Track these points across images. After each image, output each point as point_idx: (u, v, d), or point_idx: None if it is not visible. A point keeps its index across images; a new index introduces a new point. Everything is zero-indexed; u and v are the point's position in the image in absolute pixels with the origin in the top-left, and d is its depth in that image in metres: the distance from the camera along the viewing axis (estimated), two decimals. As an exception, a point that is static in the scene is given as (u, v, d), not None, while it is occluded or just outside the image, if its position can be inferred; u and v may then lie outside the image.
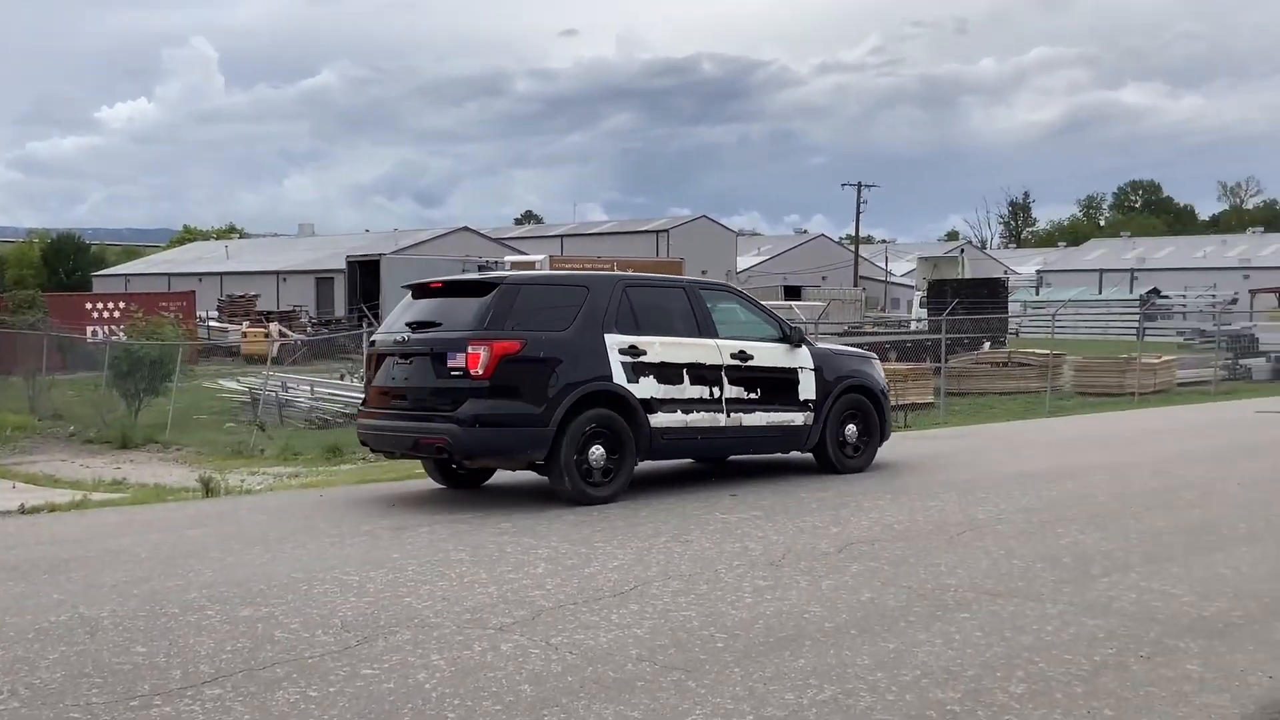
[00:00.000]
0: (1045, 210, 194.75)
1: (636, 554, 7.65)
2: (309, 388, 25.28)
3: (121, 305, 42.00)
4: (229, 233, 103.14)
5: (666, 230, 79.52)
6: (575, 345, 9.57)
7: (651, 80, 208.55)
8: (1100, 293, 66.73)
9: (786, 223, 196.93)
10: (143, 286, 68.70)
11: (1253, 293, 56.92)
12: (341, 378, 27.32)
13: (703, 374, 10.25)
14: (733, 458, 11.67)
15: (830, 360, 11.42)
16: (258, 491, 12.20)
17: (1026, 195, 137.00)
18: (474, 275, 10.13)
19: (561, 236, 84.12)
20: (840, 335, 35.38)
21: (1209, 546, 7.84)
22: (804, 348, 11.19)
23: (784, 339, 11.05)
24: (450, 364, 9.30)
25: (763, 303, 12.02)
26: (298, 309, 56.55)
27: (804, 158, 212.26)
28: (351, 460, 16.60)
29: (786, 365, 10.96)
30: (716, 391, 10.34)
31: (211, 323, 47.86)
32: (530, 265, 45.79)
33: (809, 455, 11.46)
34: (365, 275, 46.81)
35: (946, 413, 22.35)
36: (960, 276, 54.59)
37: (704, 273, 65.57)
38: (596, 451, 9.57)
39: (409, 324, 9.89)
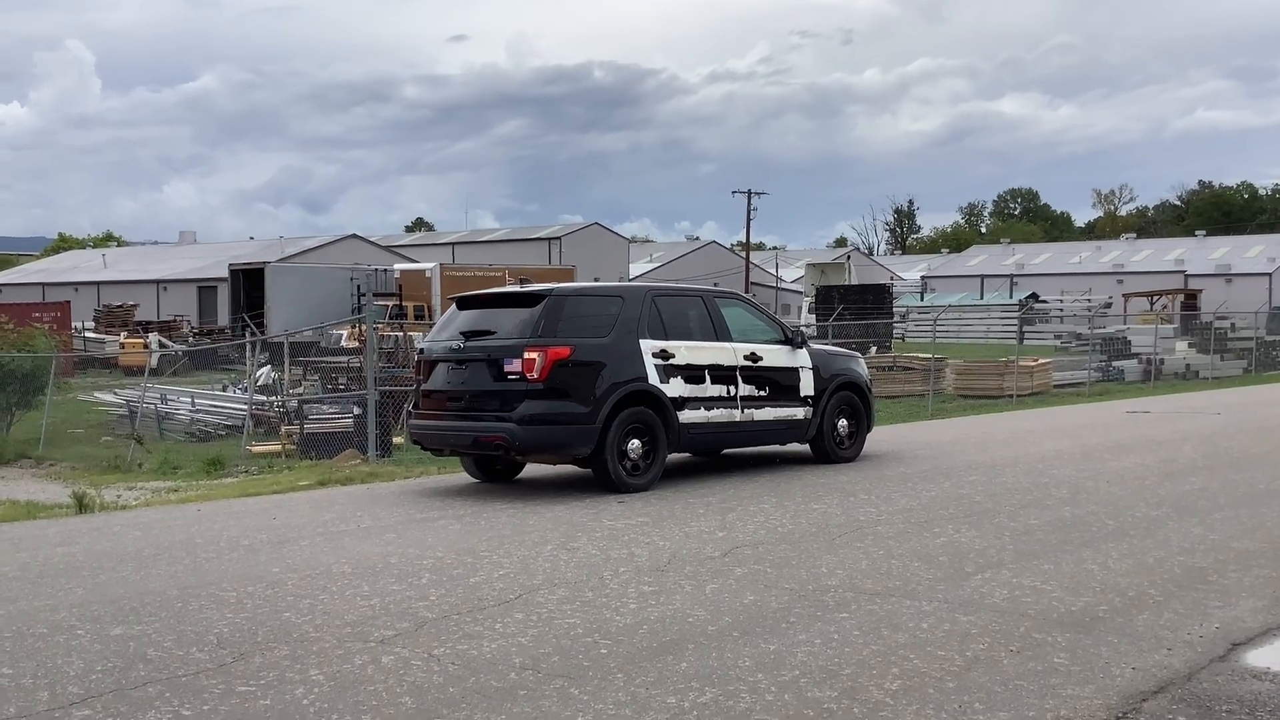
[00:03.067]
0: (929, 217, 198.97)
1: (522, 562, 7.63)
2: (189, 400, 24.60)
3: (-7, 316, 40.38)
4: (106, 241, 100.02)
5: (559, 237, 79.43)
6: (615, 350, 10.62)
7: (543, 87, 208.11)
8: (982, 298, 68.56)
9: (678, 229, 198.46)
10: (14, 297, 66.14)
11: (1126, 297, 59.03)
12: (224, 389, 26.66)
13: (721, 374, 11.37)
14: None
15: (826, 359, 12.68)
16: (134, 507, 11.84)
17: (911, 203, 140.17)
18: (520, 288, 11.02)
19: (453, 244, 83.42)
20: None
21: (1078, 543, 8.12)
22: (804, 349, 12.40)
23: (787, 341, 12.24)
24: (507, 368, 10.27)
25: (765, 308, 13.11)
26: (179, 319, 55.06)
27: (694, 165, 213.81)
28: (232, 474, 16.22)
29: (790, 365, 12.12)
30: (732, 390, 11.47)
31: (88, 333, 46.33)
32: (420, 273, 45.33)
33: (793, 447, 12.70)
34: (250, 284, 45.73)
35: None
36: (847, 282, 55.61)
37: (596, 279, 65.61)
38: (634, 445, 10.61)
39: (462, 333, 10.82)
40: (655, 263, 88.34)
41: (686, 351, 11.13)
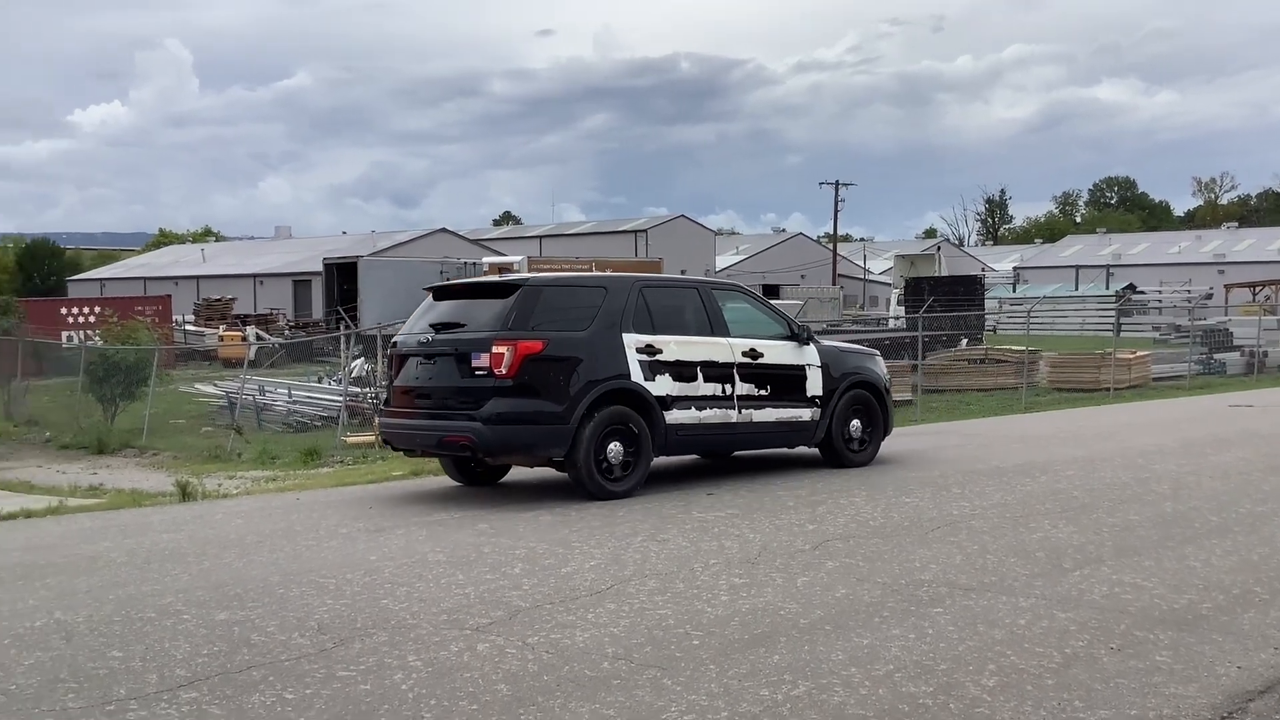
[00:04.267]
0: (1022, 207, 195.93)
1: (613, 553, 7.68)
2: (286, 391, 25.17)
3: (97, 310, 41.75)
4: (205, 236, 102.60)
5: (645, 230, 79.56)
6: (594, 345, 9.89)
7: (629, 80, 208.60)
8: (1076, 289, 67.12)
9: (764, 222, 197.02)
10: (118, 291, 68.29)
11: (1227, 288, 57.35)
12: (319, 380, 27.22)
13: (716, 371, 10.57)
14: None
15: (836, 357, 11.76)
16: (234, 495, 12.15)
17: (1003, 192, 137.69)
18: (495, 277, 10.37)
19: (540, 237, 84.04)
20: (820, 333, 35.47)
21: (1180, 539, 7.93)
22: (811, 345, 11.49)
23: (792, 337, 11.39)
24: (474, 364, 9.59)
25: (771, 302, 12.32)
26: (275, 312, 56.30)
27: (781, 157, 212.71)
28: (328, 464, 16.56)
29: (795, 362, 11.28)
30: (729, 388, 10.66)
31: (188, 326, 47.61)
32: (509, 267, 45.74)
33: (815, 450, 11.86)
34: (343, 277, 46.59)
35: (923, 410, 22.47)
36: (937, 274, 54.83)
37: (683, 272, 65.65)
38: (614, 447, 9.86)
39: (432, 325, 10.18)
40: (741, 255, 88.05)
41: (676, 347, 10.35)
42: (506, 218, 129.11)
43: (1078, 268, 79.66)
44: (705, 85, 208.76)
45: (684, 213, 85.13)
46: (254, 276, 69.31)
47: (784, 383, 11.17)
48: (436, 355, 10.01)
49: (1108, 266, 76.91)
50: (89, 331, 38.01)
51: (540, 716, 4.65)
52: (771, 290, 57.67)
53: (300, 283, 64.79)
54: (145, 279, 75.02)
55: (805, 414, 11.34)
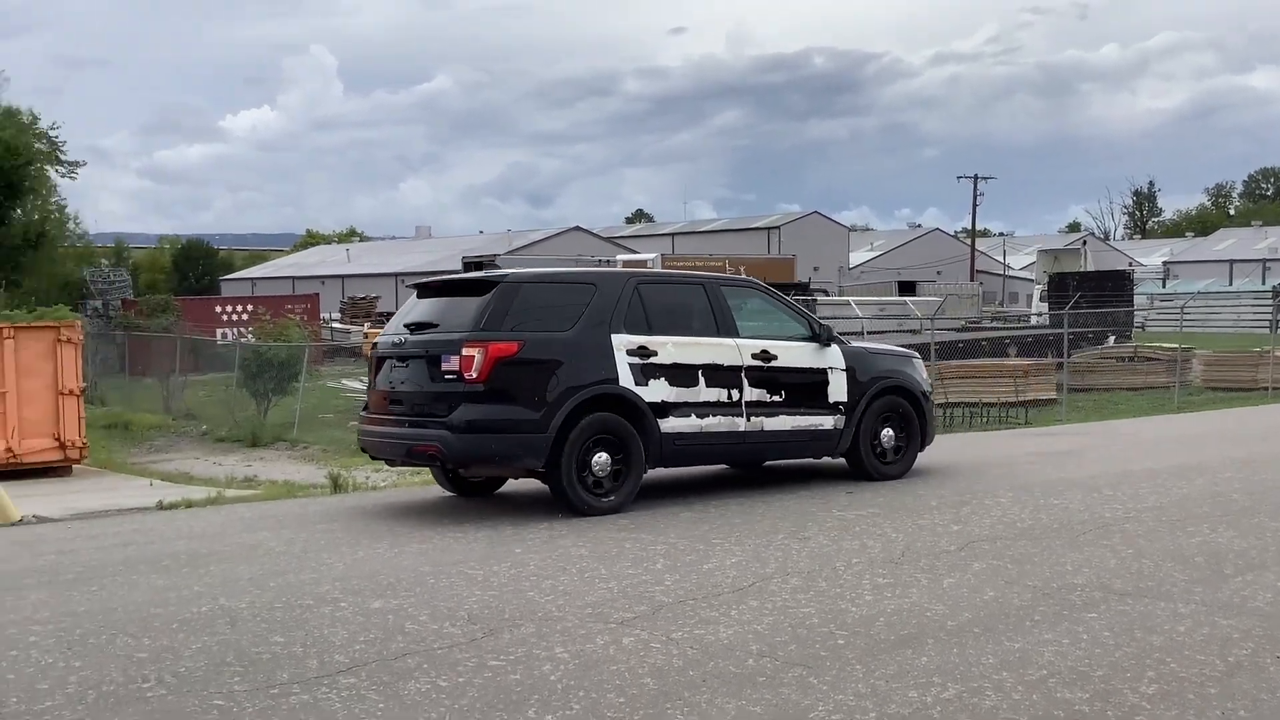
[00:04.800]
0: (1172, 200, 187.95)
1: (754, 551, 7.67)
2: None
3: (249, 308, 43.42)
4: (349, 236, 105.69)
5: (778, 227, 79.13)
6: (579, 346, 9.13)
7: (761, 76, 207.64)
8: (1230, 284, 64.34)
9: (898, 217, 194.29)
10: (268, 290, 70.87)
11: (1396, 282, 54.31)
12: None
13: (720, 376, 9.72)
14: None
15: (864, 360, 10.77)
16: (382, 488, 12.50)
17: (1152, 184, 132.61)
18: (475, 273, 9.67)
19: (672, 235, 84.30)
20: (959, 330, 34.82)
21: (1351, 546, 7.55)
22: (834, 347, 10.54)
23: (813, 338, 10.46)
24: (444, 367, 8.92)
25: (791, 299, 11.37)
26: (415, 310, 57.55)
27: (916, 150, 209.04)
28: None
29: (814, 365, 10.36)
30: (735, 394, 9.80)
31: (335, 324, 49.15)
32: (642, 264, 46.01)
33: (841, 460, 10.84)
34: (480, 276, 47.55)
35: (1069, 409, 21.84)
36: (1083, 269, 53.17)
37: (815, 269, 65.12)
38: (601, 459, 9.08)
39: (407, 325, 9.61)
40: (875, 251, 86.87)
41: (674, 349, 9.52)
42: (639, 215, 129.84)
43: (1232, 262, 76.39)
44: (839, 80, 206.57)
45: (816, 209, 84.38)
46: (396, 275, 71.13)
47: (801, 388, 10.25)
48: (409, 358, 9.37)
49: (1264, 260, 73.52)
50: (241, 329, 39.55)
51: (687, 711, 4.68)
52: (907, 287, 56.72)
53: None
54: (294, 278, 77.69)
55: (827, 421, 10.37)
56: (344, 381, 30.34)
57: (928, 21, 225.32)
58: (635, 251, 59.40)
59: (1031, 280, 71.05)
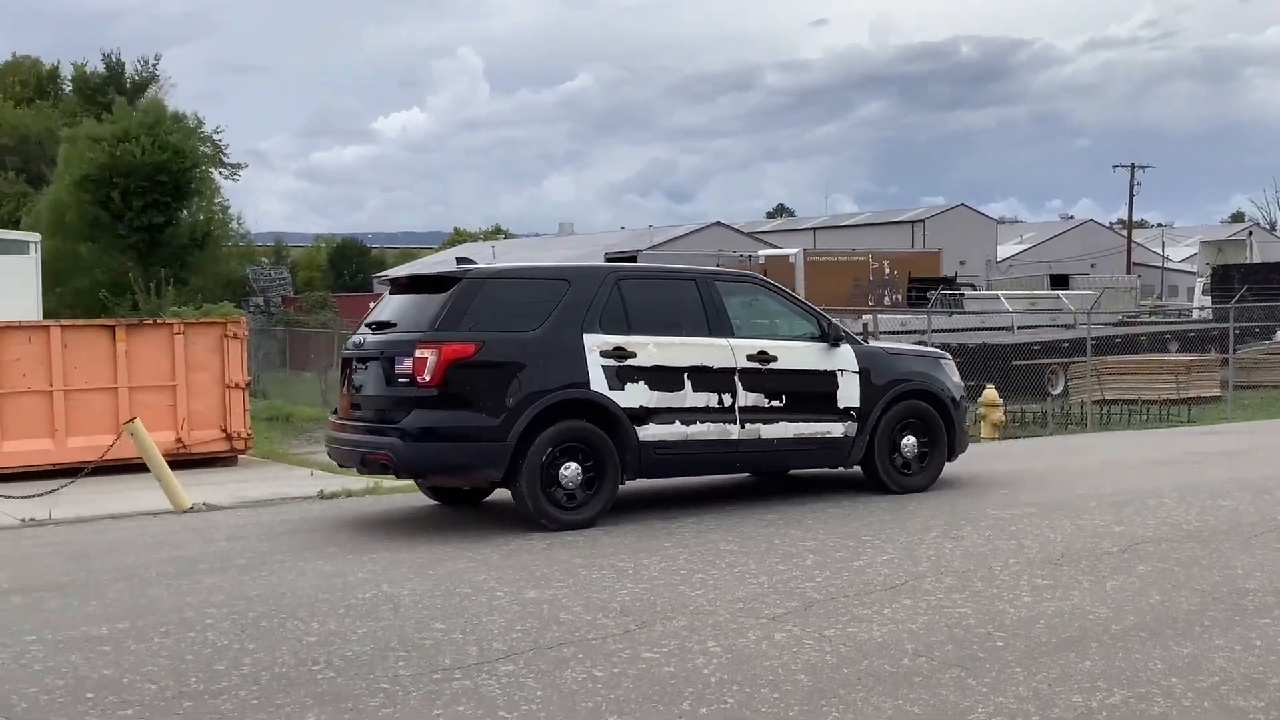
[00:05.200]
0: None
1: (905, 549, 7.57)
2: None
3: (399, 305, 44.45)
4: (495, 234, 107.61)
5: (922, 220, 77.63)
6: (545, 347, 8.52)
7: (905, 66, 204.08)
8: None
9: (1049, 208, 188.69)
10: (416, 287, 72.57)
11: None
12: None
13: (709, 379, 9.02)
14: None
15: (881, 361, 9.90)
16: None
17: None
18: (442, 269, 9.08)
19: (814, 229, 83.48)
20: (1115, 325, 33.66)
21: None
22: (845, 347, 9.70)
23: (821, 337, 9.65)
24: (398, 370, 8.39)
25: (799, 296, 10.62)
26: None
27: (1068, 140, 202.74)
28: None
29: (820, 368, 9.55)
30: (727, 399, 9.07)
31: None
32: (784, 259, 45.71)
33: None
34: (623, 272, 47.95)
35: (1234, 407, 20.91)
36: (1249, 261, 50.78)
37: (962, 263, 63.67)
38: (569, 469, 8.44)
39: (369, 324, 9.18)
40: (1025, 244, 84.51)
41: (655, 349, 8.82)
42: (779, 210, 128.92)
43: None
44: (986, 68, 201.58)
45: (963, 201, 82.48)
46: (539, 272, 72.07)
47: (805, 392, 9.45)
48: (368, 359, 8.83)
49: None
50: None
51: (842, 709, 4.66)
52: (1060, 280, 55.04)
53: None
54: (440, 275, 79.49)
55: (835, 428, 9.55)
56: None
57: (1081, 6, 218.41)
58: (776, 247, 59.01)
59: (1192, 273, 68.16)
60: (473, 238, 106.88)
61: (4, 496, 10.37)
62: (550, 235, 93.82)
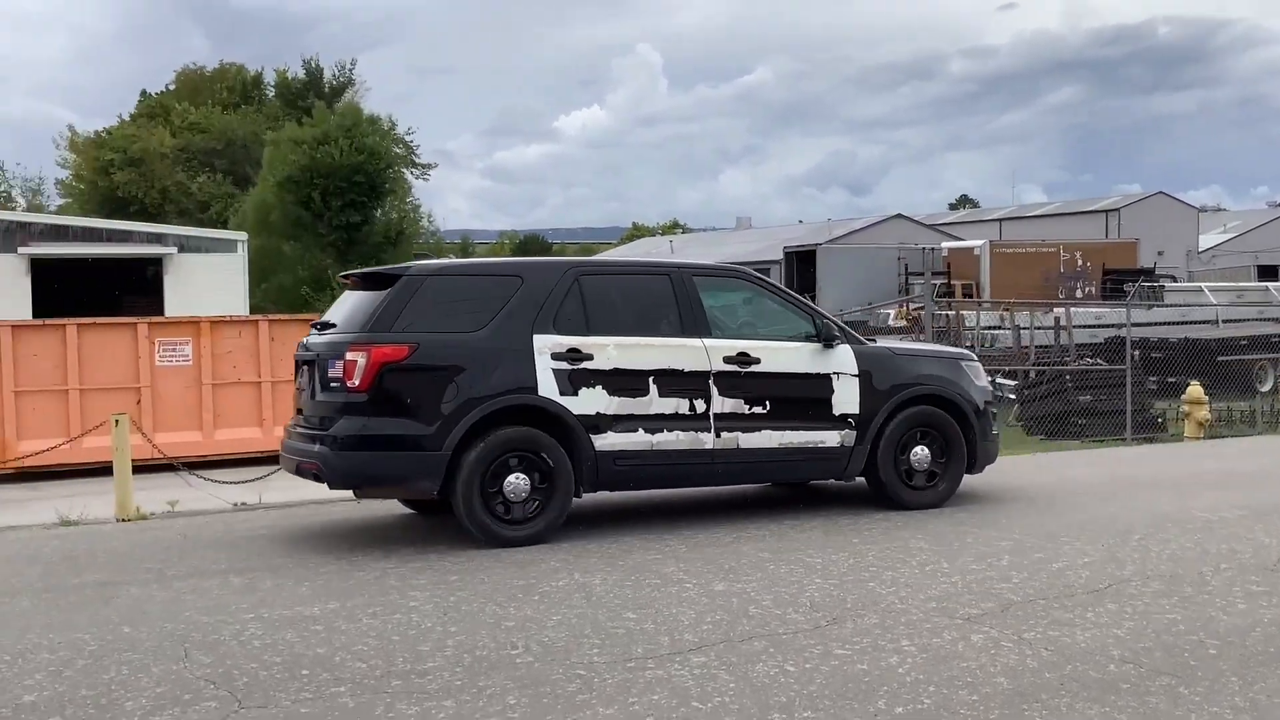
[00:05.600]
0: None
1: (1108, 551, 7.30)
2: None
3: (580, 299, 45.27)
4: (672, 228, 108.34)
5: (1117, 209, 74.41)
6: (488, 350, 7.95)
7: (1100, 50, 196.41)
8: None
9: (1255, 196, 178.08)
10: (596, 281, 73.74)
11: None
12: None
13: (679, 383, 8.33)
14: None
15: (886, 364, 9.03)
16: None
17: None
18: (386, 267, 8.56)
19: (1000, 220, 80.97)
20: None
21: None
22: (844, 347, 8.86)
23: (814, 337, 8.82)
24: (330, 374, 7.96)
25: (792, 292, 9.60)
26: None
27: (1276, 123, 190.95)
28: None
29: (812, 371, 8.75)
30: (700, 405, 8.37)
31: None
32: (968, 251, 44.56)
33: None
34: (802, 265, 47.66)
35: None
36: None
37: (1160, 254, 60.81)
38: (516, 481, 7.88)
39: (315, 325, 8.78)
40: (1229, 233, 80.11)
41: (615, 352, 8.17)
42: (963, 201, 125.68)
43: None
44: (1186, 50, 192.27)
45: (1161, 189, 78.67)
46: (716, 266, 72.20)
47: (793, 397, 8.69)
48: (309, 362, 8.37)
49: None
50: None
51: (1045, 714, 4.52)
52: (1268, 271, 52.01)
53: (760, 271, 66.67)
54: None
55: (830, 437, 8.74)
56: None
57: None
58: (960, 239, 57.56)
59: None
60: (650, 232, 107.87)
61: (217, 481, 11.00)
62: (727, 229, 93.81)
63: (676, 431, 8.31)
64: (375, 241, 40.56)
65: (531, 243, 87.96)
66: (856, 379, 8.83)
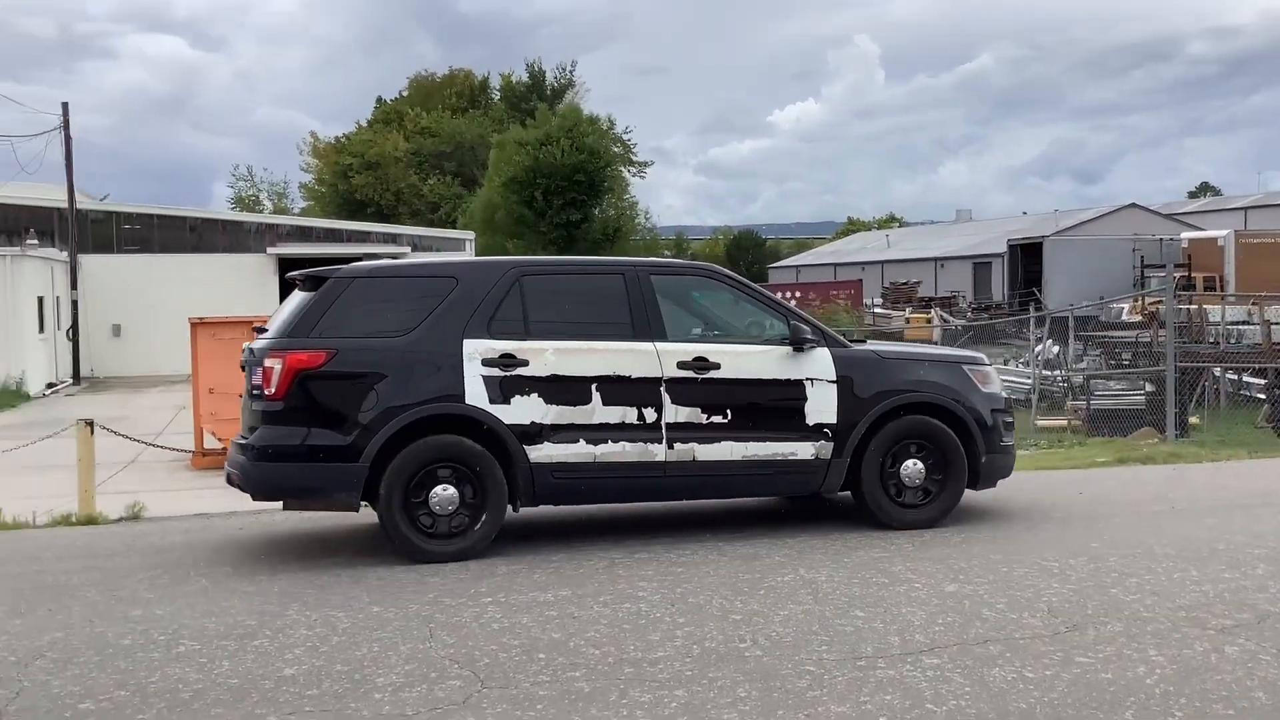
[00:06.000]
0: None
1: (1378, 563, 6.77)
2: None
3: (798, 294, 45.19)
4: (888, 222, 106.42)
5: (1379, 194, 68.67)
6: (412, 355, 7.54)
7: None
8: None
9: None
10: (811, 276, 73.30)
11: None
12: (1005, 363, 27.08)
13: (625, 391, 7.75)
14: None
15: (870, 369, 8.21)
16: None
17: None
18: (324, 268, 8.04)
19: (1245, 209, 75.98)
20: None
21: None
22: (820, 351, 8.11)
23: (787, 340, 8.11)
24: (253, 380, 7.70)
25: (766, 291, 8.78)
26: (955, 294, 56.93)
27: None
28: (1022, 446, 16.39)
29: (781, 376, 8.04)
30: (650, 414, 7.77)
31: (876, 309, 49.80)
32: (1210, 242, 42.03)
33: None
34: (1027, 259, 45.96)
35: None
36: None
37: None
38: (442, 494, 7.47)
39: (255, 328, 8.48)
40: None
41: (554, 357, 7.66)
42: (1203, 189, 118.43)
43: None
44: None
45: None
46: (935, 260, 70.50)
47: (759, 405, 8.01)
48: (245, 366, 8.02)
49: None
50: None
51: (1312, 734, 4.25)
52: None
53: (980, 265, 64.74)
54: (835, 265, 79.59)
55: (803, 449, 8.01)
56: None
57: None
58: (1200, 229, 54.31)
59: None
60: (865, 226, 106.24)
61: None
62: (946, 222, 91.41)
63: (623, 443, 7.74)
64: (594, 239, 41.48)
65: (745, 238, 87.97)
66: (834, 385, 8.08)
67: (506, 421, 7.54)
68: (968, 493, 8.40)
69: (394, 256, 30.60)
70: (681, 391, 7.83)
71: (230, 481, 7.85)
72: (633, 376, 7.77)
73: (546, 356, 7.67)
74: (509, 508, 7.72)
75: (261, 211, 66.10)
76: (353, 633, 5.85)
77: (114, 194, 48.93)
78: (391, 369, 7.51)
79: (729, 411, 7.91)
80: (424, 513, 7.48)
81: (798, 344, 8.07)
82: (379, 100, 68.73)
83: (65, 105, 33.89)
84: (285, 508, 8.05)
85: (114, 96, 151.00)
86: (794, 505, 9.23)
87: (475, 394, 7.54)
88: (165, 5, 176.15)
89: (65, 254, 33.58)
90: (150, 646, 5.70)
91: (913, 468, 8.19)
